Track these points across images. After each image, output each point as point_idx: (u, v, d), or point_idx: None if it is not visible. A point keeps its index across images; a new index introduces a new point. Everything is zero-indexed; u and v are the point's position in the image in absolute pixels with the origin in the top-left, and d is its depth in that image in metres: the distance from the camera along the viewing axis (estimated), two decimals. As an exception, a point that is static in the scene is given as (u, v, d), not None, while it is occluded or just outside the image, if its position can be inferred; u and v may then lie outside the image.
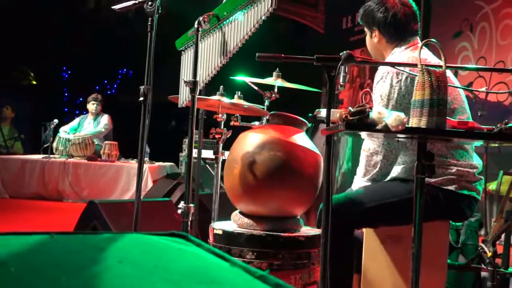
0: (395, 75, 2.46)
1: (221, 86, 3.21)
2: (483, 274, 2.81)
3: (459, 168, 2.46)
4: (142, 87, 2.75)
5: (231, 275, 1.09)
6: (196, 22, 2.60)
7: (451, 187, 2.44)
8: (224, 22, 2.63)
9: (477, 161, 2.55)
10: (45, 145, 7.90)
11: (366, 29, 2.77)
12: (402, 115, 1.92)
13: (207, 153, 4.97)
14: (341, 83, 2.15)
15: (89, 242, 1.28)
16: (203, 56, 2.68)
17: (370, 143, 2.59)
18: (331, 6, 10.52)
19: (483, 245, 2.50)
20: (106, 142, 7.66)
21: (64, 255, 1.12)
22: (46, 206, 6.91)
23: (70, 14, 11.33)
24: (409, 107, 2.26)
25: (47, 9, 10.87)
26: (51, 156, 7.64)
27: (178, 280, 0.98)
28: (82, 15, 11.31)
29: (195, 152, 3.40)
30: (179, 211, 2.58)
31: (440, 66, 2.02)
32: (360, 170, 2.63)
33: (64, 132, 7.88)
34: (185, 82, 2.67)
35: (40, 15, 10.85)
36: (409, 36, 2.66)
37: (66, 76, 13.84)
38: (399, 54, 2.61)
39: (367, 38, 2.78)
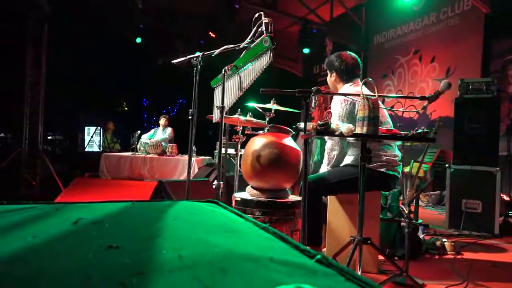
0: (343, 101, 2.46)
1: (239, 109, 3.19)
2: (403, 224, 2.77)
3: (387, 157, 2.43)
4: (190, 110, 2.73)
5: (245, 227, 1.07)
6: (223, 70, 2.59)
7: (382, 169, 2.41)
8: (241, 70, 2.60)
9: (398, 153, 2.53)
10: (132, 146, 7.90)
11: (328, 72, 2.76)
12: (351, 126, 1.89)
13: (231, 150, 4.94)
14: (313, 106, 2.11)
15: (157, 207, 1.27)
16: (227, 91, 2.65)
17: (330, 144, 2.57)
18: (306, 60, 10.50)
19: (402, 206, 2.46)
20: (170, 144, 7.66)
21: (140, 216, 1.10)
22: (133, 184, 6.89)
23: (149, 67, 11.37)
24: (353, 120, 2.25)
25: (136, 67, 10.94)
26: (136, 153, 7.64)
27: (211, 230, 0.96)
28: (155, 67, 11.34)
29: (223, 150, 3.38)
30: (214, 186, 2.55)
31: (374, 95, 1.99)
32: (325, 161, 2.63)
33: (144, 138, 7.90)
34: (217, 107, 2.65)
35: (132, 70, 10.94)
36: (354, 78, 2.66)
37: (145, 104, 13.94)
38: (347, 88, 2.62)
39: (328, 77, 2.77)
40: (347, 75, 2.65)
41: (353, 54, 2.70)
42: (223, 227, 1.03)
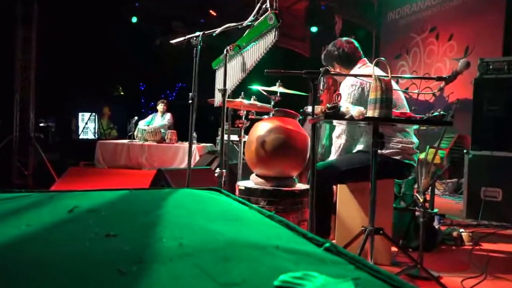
0: (350, 86, 2.49)
1: (242, 92, 3.18)
2: (417, 213, 2.77)
3: (403, 144, 2.43)
4: (190, 94, 2.73)
5: (249, 214, 1.07)
6: (225, 50, 2.57)
7: (397, 157, 2.41)
8: (243, 50, 2.59)
9: (415, 139, 2.52)
10: (129, 133, 7.93)
11: (330, 67, 2.70)
12: (362, 108, 1.88)
13: (234, 137, 4.91)
14: (321, 89, 2.10)
15: (156, 195, 1.28)
16: (230, 72, 2.65)
17: (337, 131, 2.57)
18: (314, 39, 10.40)
19: (417, 195, 2.46)
20: (169, 131, 7.68)
21: (139, 203, 1.11)
22: (130, 173, 6.94)
23: (145, 50, 11.31)
24: (362, 103, 2.25)
25: (132, 48, 10.89)
26: (134, 140, 7.66)
27: (213, 218, 0.97)
28: (152, 49, 11.26)
29: (226, 136, 3.37)
30: (216, 175, 2.57)
31: (387, 76, 1.97)
32: (333, 149, 2.64)
33: (142, 124, 7.91)
34: (218, 90, 2.65)
35: (128, 52, 10.88)
36: (357, 61, 2.69)
37: (143, 88, 13.92)
38: (356, 70, 2.63)
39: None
40: (349, 60, 2.67)
41: (346, 38, 2.75)
42: (226, 214, 1.04)
